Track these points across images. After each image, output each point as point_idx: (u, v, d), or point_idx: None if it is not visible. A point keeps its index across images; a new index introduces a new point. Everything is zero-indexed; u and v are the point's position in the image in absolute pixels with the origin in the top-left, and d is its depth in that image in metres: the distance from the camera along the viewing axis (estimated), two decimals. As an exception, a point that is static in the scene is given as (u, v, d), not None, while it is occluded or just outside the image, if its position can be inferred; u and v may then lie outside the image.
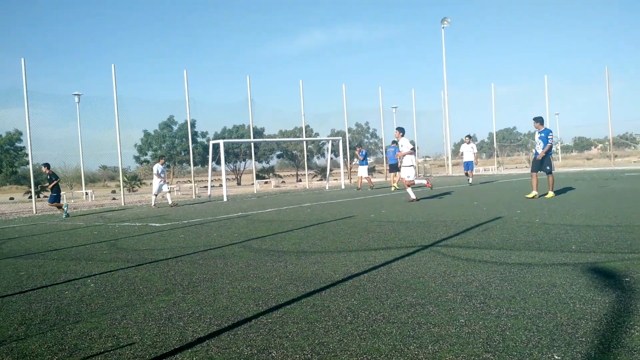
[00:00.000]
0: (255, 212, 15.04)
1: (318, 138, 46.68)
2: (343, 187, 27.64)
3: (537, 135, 14.21)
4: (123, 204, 23.78)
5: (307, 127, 37.51)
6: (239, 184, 51.92)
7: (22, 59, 21.17)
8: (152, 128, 51.07)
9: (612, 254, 5.96)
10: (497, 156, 46.94)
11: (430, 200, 15.53)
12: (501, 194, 16.36)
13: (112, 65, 23.74)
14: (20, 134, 41.78)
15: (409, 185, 15.20)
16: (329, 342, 3.60)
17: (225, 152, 25.56)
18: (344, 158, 32.24)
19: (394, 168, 23.78)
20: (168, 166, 45.33)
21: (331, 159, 32.63)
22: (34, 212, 21.09)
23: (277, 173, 59.01)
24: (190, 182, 31.61)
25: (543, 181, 14.35)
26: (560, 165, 48.70)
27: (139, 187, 47.21)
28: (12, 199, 36.59)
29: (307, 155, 41.29)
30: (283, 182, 48.30)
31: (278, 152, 58.60)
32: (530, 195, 13.74)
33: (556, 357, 3.09)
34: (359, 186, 24.83)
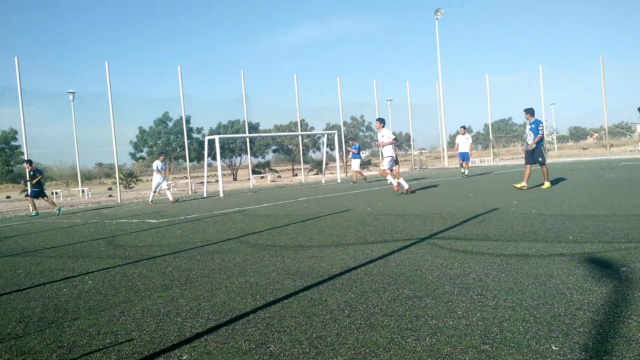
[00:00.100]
0: (251, 207, 15.04)
1: (313, 132, 46.68)
2: (339, 180, 27.64)
3: (527, 127, 14.23)
4: (119, 201, 23.73)
5: (302, 121, 37.47)
6: (235, 179, 51.89)
7: (16, 57, 21.07)
8: (147, 125, 51.12)
9: (609, 244, 5.97)
10: (493, 147, 46.97)
11: (426, 192, 15.54)
12: (497, 186, 16.38)
13: (106, 63, 23.67)
14: (16, 132, 41.74)
15: (385, 175, 15.35)
16: (326, 335, 3.61)
17: (221, 147, 25.55)
18: (339, 152, 32.24)
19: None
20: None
21: (327, 152, 32.58)
22: (31, 210, 21.03)
23: (273, 168, 58.97)
24: (186, 178, 31.55)
25: (537, 173, 14.36)
26: (556, 155, 48.80)
27: (135, 183, 47.13)
28: (8, 197, 36.47)
29: (303, 150, 41.31)
30: (279, 176, 48.29)
31: (274, 147, 58.64)
32: (518, 185, 13.74)
33: (554, 348, 3.10)
34: (354, 180, 24.87)
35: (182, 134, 32.63)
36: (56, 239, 10.69)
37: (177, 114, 46.06)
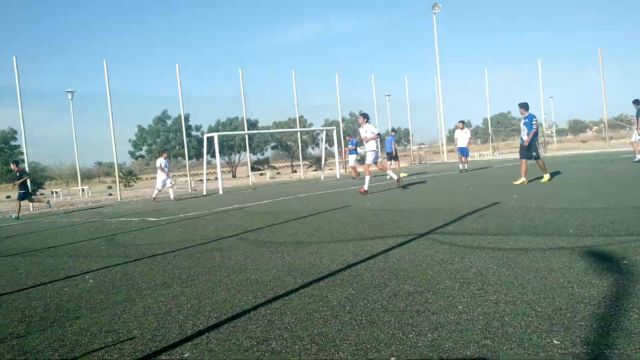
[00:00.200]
0: (251, 204, 15.03)
1: (312, 128, 46.69)
2: (338, 176, 27.62)
3: (522, 121, 14.23)
4: (119, 200, 23.74)
5: (300, 117, 37.39)
6: (234, 176, 51.86)
7: (14, 57, 21.13)
8: (146, 123, 51.16)
9: (610, 237, 5.97)
10: (492, 141, 46.93)
11: (425, 187, 15.55)
12: (497, 180, 16.38)
13: (104, 62, 23.66)
14: (15, 132, 41.80)
15: (385, 169, 15.48)
16: (327, 332, 3.61)
17: (220, 144, 25.53)
18: (338, 148, 32.22)
19: (391, 157, 23.89)
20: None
21: (325, 149, 32.54)
22: (31, 209, 21.04)
23: (272, 164, 58.95)
24: (186, 175, 31.54)
25: (535, 167, 14.36)
26: (556, 148, 48.74)
27: (135, 182, 47.10)
28: (8, 197, 36.45)
29: (302, 146, 41.26)
30: (278, 173, 48.27)
31: (272, 144, 58.59)
32: (517, 182, 13.74)
33: (555, 342, 3.11)
34: (353, 175, 24.88)
35: (181, 132, 32.57)
36: (56, 238, 10.69)
37: (175, 112, 45.96)
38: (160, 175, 20.56)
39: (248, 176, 33.35)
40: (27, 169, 20.06)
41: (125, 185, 43.20)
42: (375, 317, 3.83)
